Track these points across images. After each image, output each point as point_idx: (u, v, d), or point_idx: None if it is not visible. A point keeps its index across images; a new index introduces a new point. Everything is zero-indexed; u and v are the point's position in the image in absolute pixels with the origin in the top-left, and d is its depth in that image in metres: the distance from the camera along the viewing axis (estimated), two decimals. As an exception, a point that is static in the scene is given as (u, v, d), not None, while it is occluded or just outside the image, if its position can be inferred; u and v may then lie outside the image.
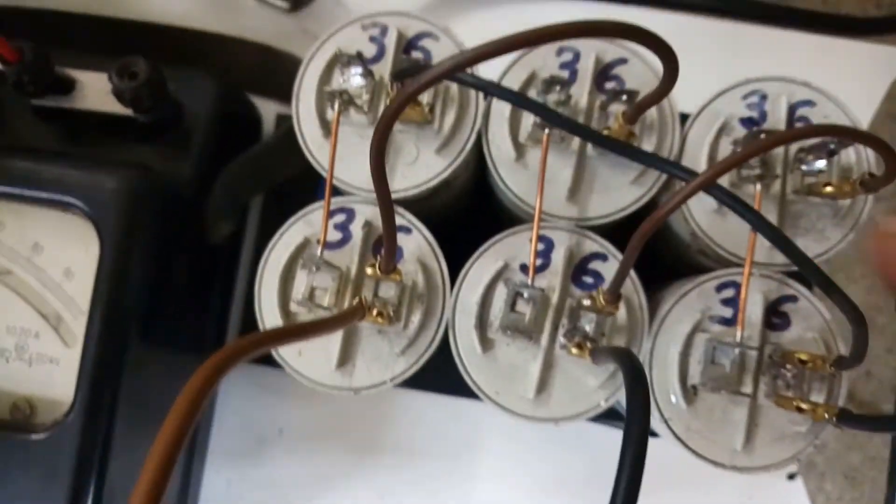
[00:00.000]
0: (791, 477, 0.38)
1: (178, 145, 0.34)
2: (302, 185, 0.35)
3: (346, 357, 0.27)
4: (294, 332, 0.19)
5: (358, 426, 0.39)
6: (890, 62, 0.41)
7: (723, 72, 0.41)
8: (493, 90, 0.20)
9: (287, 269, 0.27)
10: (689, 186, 0.18)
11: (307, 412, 0.40)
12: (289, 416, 0.40)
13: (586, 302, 0.25)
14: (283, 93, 0.30)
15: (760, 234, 0.19)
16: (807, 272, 0.18)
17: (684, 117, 0.29)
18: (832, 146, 0.25)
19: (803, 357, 0.24)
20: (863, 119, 0.41)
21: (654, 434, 0.27)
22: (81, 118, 0.33)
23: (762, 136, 0.25)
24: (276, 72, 0.41)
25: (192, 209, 0.34)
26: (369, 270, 0.25)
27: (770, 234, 0.18)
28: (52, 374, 0.30)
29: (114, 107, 0.33)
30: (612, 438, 0.38)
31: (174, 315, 0.35)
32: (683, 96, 0.31)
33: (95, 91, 0.33)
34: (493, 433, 0.38)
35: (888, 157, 0.19)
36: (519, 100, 0.21)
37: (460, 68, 0.16)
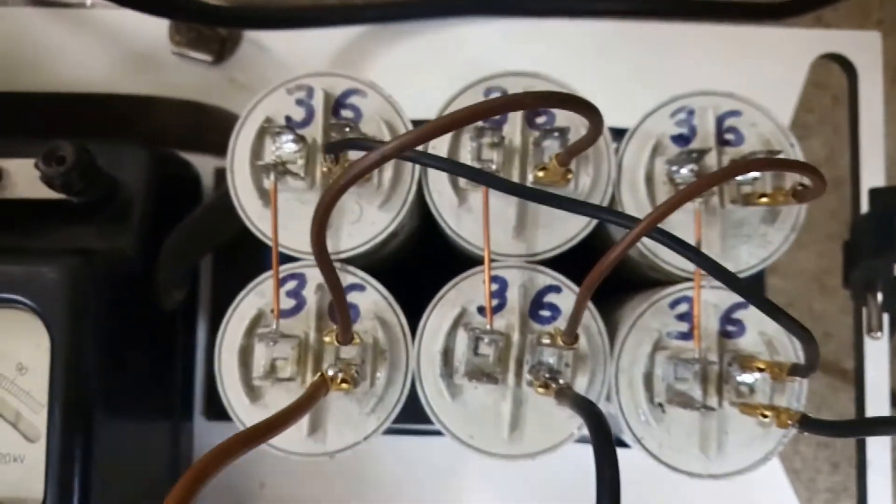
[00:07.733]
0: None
1: (117, 221, 0.34)
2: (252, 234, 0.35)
3: (316, 424, 0.26)
4: (263, 430, 0.18)
5: (341, 472, 0.39)
6: (807, 45, 0.42)
7: (646, 74, 0.42)
8: (424, 160, 0.20)
9: (244, 344, 0.26)
10: (630, 236, 0.18)
11: (288, 463, 0.39)
12: (269, 469, 0.39)
13: (546, 340, 0.25)
14: (218, 147, 0.29)
15: (704, 271, 0.20)
16: (753, 302, 0.19)
17: (619, 132, 0.30)
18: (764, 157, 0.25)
19: (760, 365, 0.25)
20: (789, 102, 0.42)
21: (625, 445, 0.27)
22: (13, 207, 0.32)
23: (693, 155, 0.25)
24: (208, 127, 0.41)
25: (140, 282, 0.34)
26: (327, 339, 0.25)
27: (713, 270, 0.19)
28: (18, 472, 0.29)
29: (45, 192, 0.32)
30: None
31: (137, 388, 0.35)
32: (615, 103, 0.31)
33: (24, 178, 0.32)
34: (474, 462, 0.39)
35: (816, 180, 0.19)
36: (450, 167, 0.21)
37: (386, 159, 0.16)
